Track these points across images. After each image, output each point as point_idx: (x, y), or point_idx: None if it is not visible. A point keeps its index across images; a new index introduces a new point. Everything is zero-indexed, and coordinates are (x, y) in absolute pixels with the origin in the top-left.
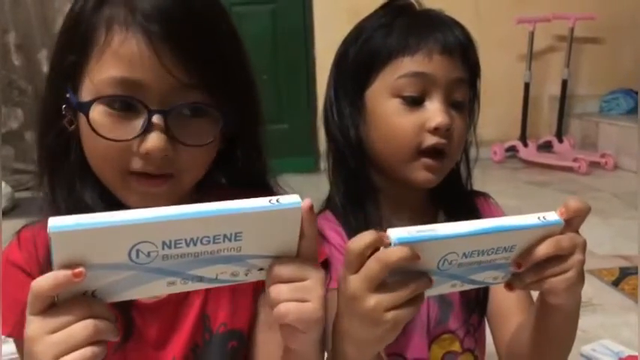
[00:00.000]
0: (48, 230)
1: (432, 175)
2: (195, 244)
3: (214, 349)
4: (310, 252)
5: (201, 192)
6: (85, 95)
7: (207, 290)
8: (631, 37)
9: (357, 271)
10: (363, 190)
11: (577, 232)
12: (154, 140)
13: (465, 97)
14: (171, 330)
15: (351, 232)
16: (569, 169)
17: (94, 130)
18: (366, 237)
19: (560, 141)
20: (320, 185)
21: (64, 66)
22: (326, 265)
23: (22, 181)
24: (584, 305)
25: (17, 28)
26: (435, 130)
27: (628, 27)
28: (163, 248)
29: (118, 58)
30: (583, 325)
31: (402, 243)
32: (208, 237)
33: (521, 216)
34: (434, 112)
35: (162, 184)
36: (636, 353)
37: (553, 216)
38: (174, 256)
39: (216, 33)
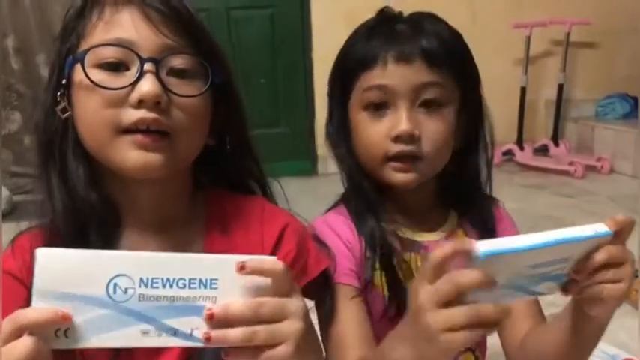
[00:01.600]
0: (35, 251)
1: (406, 175)
2: (171, 286)
3: (210, 354)
4: (287, 288)
5: (195, 196)
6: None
7: None
8: (626, 42)
9: (431, 282)
10: (369, 196)
11: (624, 245)
12: (147, 83)
13: (438, 96)
14: None
15: (363, 234)
16: (565, 173)
17: (90, 79)
18: (446, 248)
19: (556, 145)
20: (317, 189)
21: (61, 54)
22: (327, 274)
23: (20, 185)
24: None
25: (16, 31)
26: (398, 139)
27: (623, 32)
28: (140, 285)
29: (111, 24)
30: None
31: (489, 256)
32: (184, 279)
33: (575, 228)
34: (395, 120)
35: (160, 140)
36: (632, 356)
37: (602, 227)
38: (150, 297)
39: (196, 15)
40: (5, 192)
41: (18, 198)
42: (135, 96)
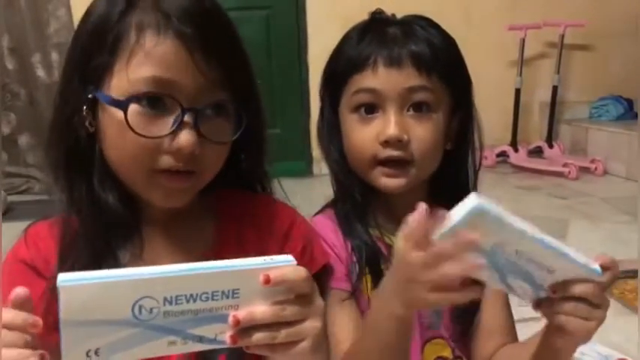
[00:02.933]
0: (57, 284)
1: (395, 180)
2: (194, 301)
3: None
4: (307, 290)
5: (203, 193)
6: (115, 95)
7: None
8: (620, 44)
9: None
10: (357, 200)
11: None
12: (187, 137)
13: (426, 102)
14: None
15: (350, 240)
16: (559, 174)
17: (130, 127)
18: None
19: (551, 146)
20: (313, 189)
21: (89, 68)
22: (327, 269)
23: (15, 185)
24: None
25: (11, 31)
26: (386, 143)
27: (617, 34)
28: (165, 304)
29: (152, 58)
30: None
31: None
32: (207, 293)
33: (571, 249)
34: (384, 124)
35: (187, 180)
36: (625, 356)
37: (594, 264)
38: (175, 312)
39: (232, 33)
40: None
41: (12, 198)
42: (174, 146)
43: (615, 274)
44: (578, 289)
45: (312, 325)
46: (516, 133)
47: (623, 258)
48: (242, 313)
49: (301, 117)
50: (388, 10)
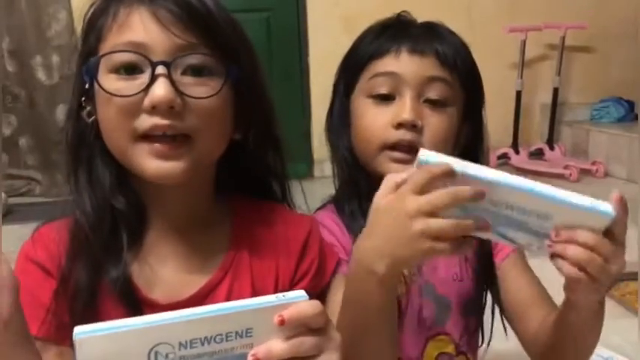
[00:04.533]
0: (73, 337)
1: (403, 166)
2: (209, 343)
3: None
4: (322, 324)
5: (222, 197)
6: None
7: (229, 296)
8: (621, 46)
9: (417, 193)
10: (361, 194)
11: (623, 243)
12: (159, 88)
13: (443, 95)
14: None
15: (354, 233)
16: (560, 177)
17: (102, 87)
18: (435, 168)
19: (552, 148)
20: (314, 191)
21: (82, 58)
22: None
23: (16, 187)
24: None
25: (11, 33)
26: (400, 126)
27: (618, 36)
28: (180, 349)
29: (123, 27)
30: None
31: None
32: (221, 335)
33: (571, 192)
34: (400, 108)
35: (176, 148)
36: (626, 359)
37: (605, 206)
38: (191, 356)
39: (217, 8)
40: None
41: (13, 200)
42: (147, 102)
43: (625, 213)
44: (581, 238)
45: (328, 357)
46: (517, 135)
47: None
48: (261, 352)
49: (302, 119)
50: (389, 13)
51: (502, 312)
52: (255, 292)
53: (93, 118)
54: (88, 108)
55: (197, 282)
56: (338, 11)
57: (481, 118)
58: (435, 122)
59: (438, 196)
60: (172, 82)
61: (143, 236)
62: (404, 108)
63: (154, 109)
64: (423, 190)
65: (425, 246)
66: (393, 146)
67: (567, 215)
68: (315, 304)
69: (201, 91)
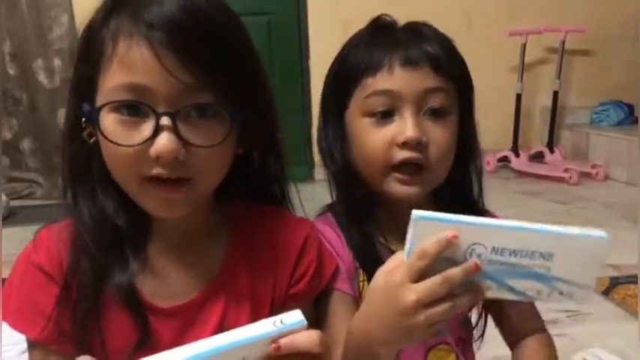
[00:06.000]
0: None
1: (410, 187)
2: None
3: None
4: (317, 349)
5: (221, 205)
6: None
7: (228, 301)
8: (621, 49)
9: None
10: (359, 207)
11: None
12: (164, 141)
13: (444, 103)
14: (187, 336)
15: (352, 246)
16: (560, 180)
17: (105, 136)
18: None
19: (552, 151)
20: (315, 195)
21: (79, 80)
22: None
23: (17, 190)
24: (574, 314)
25: (12, 37)
26: (404, 145)
27: (618, 39)
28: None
29: (124, 65)
30: (573, 333)
31: (423, 220)
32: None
33: (562, 226)
34: (402, 126)
35: (178, 189)
36: None
37: (601, 233)
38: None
39: (221, 36)
40: (2, 197)
41: (15, 203)
42: (153, 153)
43: None
44: None
45: None
46: (517, 138)
47: (624, 263)
48: None
49: (303, 122)
50: (390, 17)
51: (496, 324)
52: (253, 298)
53: (94, 139)
54: (89, 130)
55: (198, 286)
56: (338, 15)
57: (473, 113)
58: (438, 136)
59: (436, 283)
60: (177, 133)
61: (146, 247)
62: (406, 126)
63: (158, 159)
64: (421, 272)
65: (426, 332)
66: (398, 166)
67: (567, 250)
68: (313, 334)
69: (206, 138)
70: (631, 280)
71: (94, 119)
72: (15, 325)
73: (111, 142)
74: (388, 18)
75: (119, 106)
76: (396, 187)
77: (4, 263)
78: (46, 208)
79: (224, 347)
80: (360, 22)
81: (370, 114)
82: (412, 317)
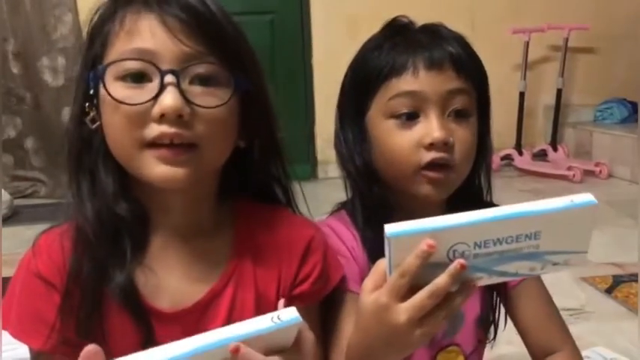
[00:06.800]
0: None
1: (437, 188)
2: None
3: None
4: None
5: (224, 203)
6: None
7: (232, 302)
8: (624, 47)
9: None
10: (377, 209)
11: None
12: (168, 97)
13: (466, 105)
14: None
15: (368, 246)
16: (564, 178)
17: (110, 94)
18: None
19: (555, 150)
20: (317, 193)
21: (86, 60)
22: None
23: (21, 189)
24: (577, 312)
25: (16, 35)
26: (431, 146)
27: (621, 37)
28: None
29: (131, 34)
30: (577, 332)
31: (396, 236)
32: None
33: (543, 200)
34: (428, 128)
35: (182, 154)
36: None
37: (586, 197)
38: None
39: (226, 20)
40: (6, 196)
41: (18, 202)
42: (156, 110)
43: None
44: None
45: None
46: (521, 136)
47: (627, 261)
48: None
49: (306, 121)
50: (392, 15)
51: (515, 325)
52: (258, 298)
53: (97, 124)
54: (92, 114)
55: (201, 289)
56: (341, 13)
57: (489, 112)
58: (462, 136)
59: (424, 298)
60: (181, 91)
61: (147, 244)
62: (432, 127)
63: (162, 118)
64: (406, 289)
65: (424, 340)
66: (426, 167)
67: (554, 224)
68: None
69: (210, 100)
70: (634, 278)
71: (100, 76)
72: (17, 335)
73: (114, 99)
74: (405, 19)
75: (124, 75)
76: (426, 188)
77: (9, 262)
78: (50, 207)
79: (222, 342)
80: (363, 21)
81: (394, 116)
82: (408, 335)
